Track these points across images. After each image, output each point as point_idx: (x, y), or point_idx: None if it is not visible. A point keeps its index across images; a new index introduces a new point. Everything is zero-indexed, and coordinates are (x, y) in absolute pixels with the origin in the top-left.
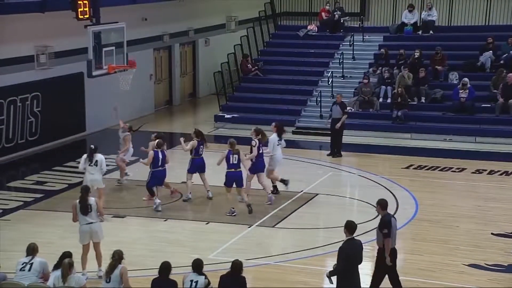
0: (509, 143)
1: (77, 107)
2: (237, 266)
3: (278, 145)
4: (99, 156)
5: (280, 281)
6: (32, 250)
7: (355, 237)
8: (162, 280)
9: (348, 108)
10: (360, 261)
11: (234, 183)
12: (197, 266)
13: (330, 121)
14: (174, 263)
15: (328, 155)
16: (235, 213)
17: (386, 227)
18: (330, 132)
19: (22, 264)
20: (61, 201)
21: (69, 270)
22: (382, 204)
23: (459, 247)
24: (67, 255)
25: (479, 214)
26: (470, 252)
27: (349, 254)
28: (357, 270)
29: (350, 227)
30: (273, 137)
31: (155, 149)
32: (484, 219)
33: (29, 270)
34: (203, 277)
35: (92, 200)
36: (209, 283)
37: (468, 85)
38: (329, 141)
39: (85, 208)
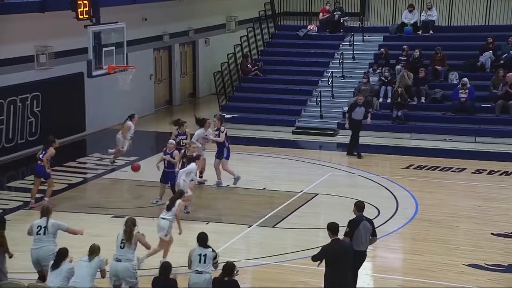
0: (509, 143)
1: (77, 107)
2: (229, 269)
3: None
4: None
5: (280, 281)
6: (46, 211)
7: (340, 239)
8: (163, 279)
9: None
10: (346, 263)
11: None
12: (202, 239)
13: (348, 122)
14: (174, 263)
15: (357, 157)
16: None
17: (349, 226)
18: (351, 133)
19: (38, 227)
20: (61, 201)
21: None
22: (358, 206)
23: (459, 247)
24: (62, 251)
25: (479, 214)
26: (470, 252)
27: (331, 255)
28: (344, 272)
29: (333, 228)
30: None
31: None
32: (484, 219)
33: (44, 234)
34: (210, 249)
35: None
36: (217, 255)
37: (468, 85)
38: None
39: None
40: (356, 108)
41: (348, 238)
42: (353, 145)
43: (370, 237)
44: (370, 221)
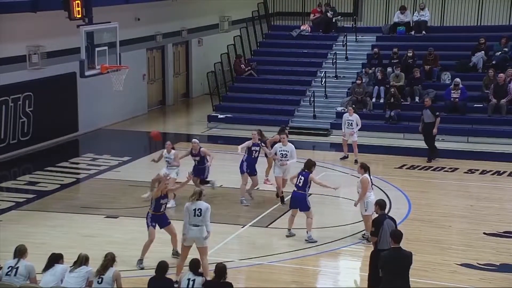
0: (501, 143)
1: (70, 107)
2: (220, 271)
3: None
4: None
5: (273, 281)
6: (19, 253)
7: (402, 248)
8: (159, 279)
9: (341, 108)
10: (405, 269)
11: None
12: (194, 265)
13: (422, 125)
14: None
15: (427, 161)
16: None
17: (373, 226)
18: (424, 137)
19: (8, 268)
20: (54, 201)
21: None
22: (380, 204)
23: (451, 246)
24: (55, 256)
25: (471, 213)
26: (462, 251)
27: (389, 263)
28: (403, 277)
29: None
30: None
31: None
32: (476, 218)
33: (15, 274)
34: (200, 276)
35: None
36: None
37: (460, 85)
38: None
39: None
40: (424, 110)
41: (375, 238)
42: (431, 150)
43: None
44: (393, 219)
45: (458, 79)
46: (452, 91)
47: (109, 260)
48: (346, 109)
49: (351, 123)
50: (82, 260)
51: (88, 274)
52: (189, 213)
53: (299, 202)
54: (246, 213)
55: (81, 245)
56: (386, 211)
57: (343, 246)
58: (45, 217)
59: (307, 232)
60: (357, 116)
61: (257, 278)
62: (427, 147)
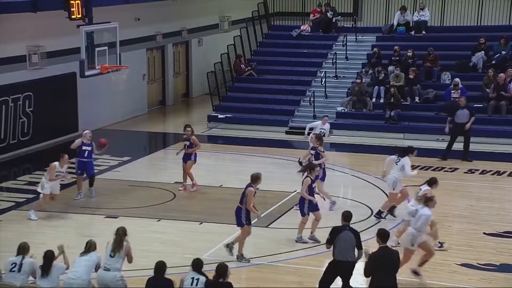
0: (501, 143)
1: (70, 107)
2: (221, 271)
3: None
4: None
5: (273, 281)
6: (22, 249)
7: (388, 246)
8: (158, 279)
9: (341, 108)
10: (395, 270)
11: None
12: (197, 265)
13: (451, 126)
14: (168, 264)
15: (441, 159)
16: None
17: (330, 234)
18: (451, 137)
19: (12, 264)
20: (54, 201)
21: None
22: (344, 216)
23: (451, 246)
24: (49, 255)
25: (471, 214)
26: (462, 251)
27: (381, 262)
28: (391, 279)
29: (383, 235)
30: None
31: None
32: (476, 218)
33: (19, 270)
34: (204, 276)
35: None
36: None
37: (460, 85)
38: (446, 146)
39: None
40: (458, 110)
41: (330, 246)
42: (450, 148)
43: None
44: (356, 233)
45: (457, 79)
46: (452, 91)
47: (121, 234)
48: (345, 109)
49: (323, 132)
50: (92, 246)
51: (98, 259)
52: None
53: (235, 215)
54: None
55: (81, 245)
56: (386, 211)
57: None
58: (45, 217)
59: (238, 248)
60: (329, 126)
61: (257, 278)
62: (445, 148)
